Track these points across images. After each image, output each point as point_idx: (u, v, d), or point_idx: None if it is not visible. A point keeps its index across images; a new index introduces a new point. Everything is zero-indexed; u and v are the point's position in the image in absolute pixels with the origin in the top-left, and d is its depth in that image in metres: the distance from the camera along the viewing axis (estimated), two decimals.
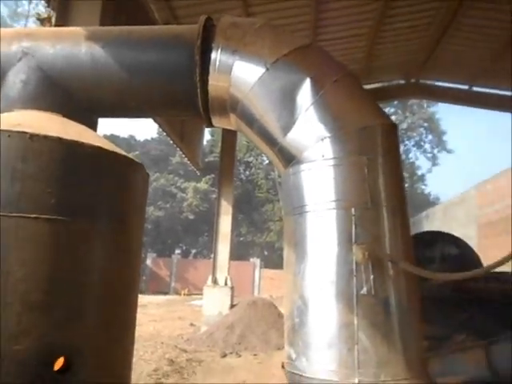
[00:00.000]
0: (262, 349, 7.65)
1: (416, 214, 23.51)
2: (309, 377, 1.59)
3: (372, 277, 1.55)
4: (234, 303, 9.93)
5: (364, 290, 1.54)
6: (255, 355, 7.51)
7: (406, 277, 1.64)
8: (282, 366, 1.79)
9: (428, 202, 31.10)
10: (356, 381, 1.49)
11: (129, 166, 1.75)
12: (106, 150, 1.63)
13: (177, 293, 23.92)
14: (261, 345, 7.85)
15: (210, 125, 2.12)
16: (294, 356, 1.67)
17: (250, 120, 1.85)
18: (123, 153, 1.74)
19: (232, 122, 1.99)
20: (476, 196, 16.11)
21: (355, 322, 1.52)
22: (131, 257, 1.76)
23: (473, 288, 3.27)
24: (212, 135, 29.60)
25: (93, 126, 2.01)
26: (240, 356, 7.45)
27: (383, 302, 1.56)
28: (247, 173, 31.52)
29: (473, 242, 13.22)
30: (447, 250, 3.55)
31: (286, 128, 1.74)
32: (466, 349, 2.90)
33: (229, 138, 10.26)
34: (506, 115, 10.60)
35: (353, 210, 1.60)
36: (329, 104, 1.71)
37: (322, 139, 1.67)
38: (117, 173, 1.69)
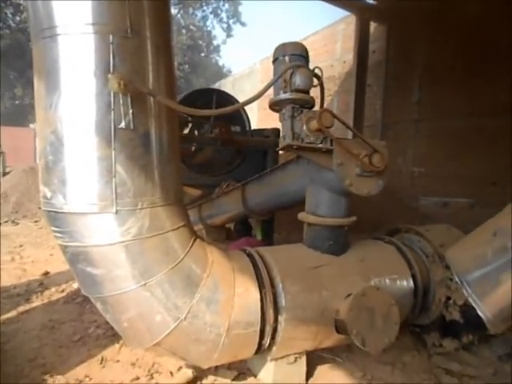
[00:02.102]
0: (43, 215, 7.23)
1: (210, 84, 24.29)
2: (66, 212, 1.56)
3: (131, 111, 1.52)
4: (8, 171, 8.80)
5: (122, 124, 1.51)
6: (36, 222, 7.09)
7: (168, 113, 1.68)
8: (39, 208, 1.70)
9: (221, 74, 32.35)
10: (114, 210, 1.55)
11: None
12: None
13: None
14: (41, 211, 7.39)
15: None
16: (49, 195, 1.58)
17: None
18: None
19: None
20: (260, 70, 17.56)
21: (112, 155, 1.51)
22: None
23: (240, 141, 3.72)
24: None
25: None
26: (17, 224, 6.91)
27: (142, 136, 1.58)
28: (18, 18, 25.31)
29: (254, 112, 14.81)
30: (220, 103, 3.81)
31: None
32: (229, 192, 3.38)
33: None
34: None
35: (111, 37, 1.46)
36: None
37: None
38: None
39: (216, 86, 23.07)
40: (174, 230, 1.74)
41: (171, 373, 2.31)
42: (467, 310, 2.19)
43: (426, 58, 9.37)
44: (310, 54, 2.12)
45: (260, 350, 2.02)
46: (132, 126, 1.52)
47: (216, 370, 2.36)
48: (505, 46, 6.68)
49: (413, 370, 2.35)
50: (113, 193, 1.54)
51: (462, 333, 2.25)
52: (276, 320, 1.96)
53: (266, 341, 1.98)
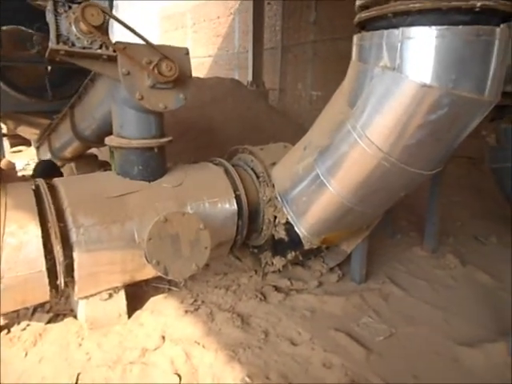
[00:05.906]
0: None
1: None
2: None
3: None
4: None
5: None
6: None
7: None
8: None
9: None
10: None
11: None
12: None
13: None
14: None
15: None
16: None
17: None
18: None
19: None
20: None
21: None
22: None
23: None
24: None
25: None
26: None
27: None
28: None
29: None
30: None
31: None
32: (62, 117, 2.95)
33: None
34: None
35: None
36: None
37: None
38: None
39: None
40: None
41: None
42: (290, 227, 2.15)
43: None
44: None
45: (58, 291, 1.81)
46: None
47: (32, 315, 2.15)
48: None
49: (245, 291, 2.34)
50: None
51: (287, 250, 2.23)
52: (70, 257, 1.74)
53: (61, 280, 1.76)
